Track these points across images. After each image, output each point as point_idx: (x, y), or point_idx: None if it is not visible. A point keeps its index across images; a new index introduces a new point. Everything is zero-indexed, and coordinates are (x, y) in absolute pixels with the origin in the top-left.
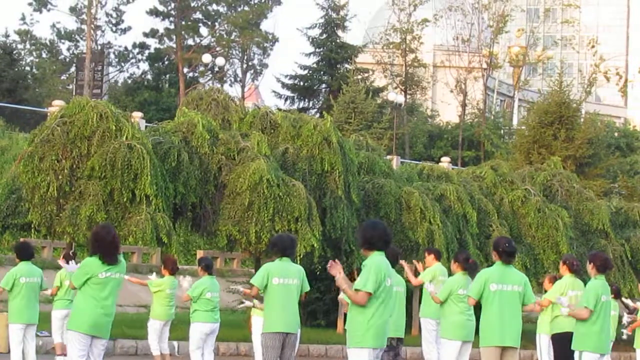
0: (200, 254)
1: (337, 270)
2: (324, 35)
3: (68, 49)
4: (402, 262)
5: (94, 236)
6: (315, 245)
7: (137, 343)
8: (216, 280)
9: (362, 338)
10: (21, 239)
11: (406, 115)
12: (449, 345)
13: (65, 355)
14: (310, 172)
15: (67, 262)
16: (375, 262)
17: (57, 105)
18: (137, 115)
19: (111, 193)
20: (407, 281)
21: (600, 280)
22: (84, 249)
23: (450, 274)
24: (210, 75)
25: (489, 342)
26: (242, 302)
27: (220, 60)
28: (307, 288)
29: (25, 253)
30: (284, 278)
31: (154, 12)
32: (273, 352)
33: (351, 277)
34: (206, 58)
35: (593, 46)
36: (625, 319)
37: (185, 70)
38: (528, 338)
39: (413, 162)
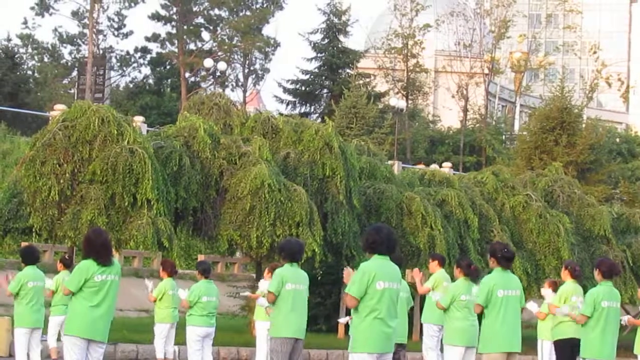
0: (201, 258)
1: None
2: (326, 40)
3: (70, 53)
4: (413, 271)
5: (85, 240)
6: (316, 250)
7: (137, 347)
8: (214, 285)
9: (356, 342)
10: (26, 243)
11: (407, 120)
12: (453, 351)
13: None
14: (312, 177)
15: (65, 267)
16: (364, 265)
17: (58, 109)
18: (138, 119)
19: (112, 197)
20: (413, 287)
21: (604, 287)
22: None
23: (452, 279)
24: (212, 79)
25: (497, 348)
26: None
27: (221, 65)
28: (307, 294)
29: (31, 257)
30: (296, 283)
31: (156, 17)
32: (283, 356)
33: None
34: (208, 63)
35: (595, 52)
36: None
37: (187, 74)
38: (529, 344)
39: (414, 167)
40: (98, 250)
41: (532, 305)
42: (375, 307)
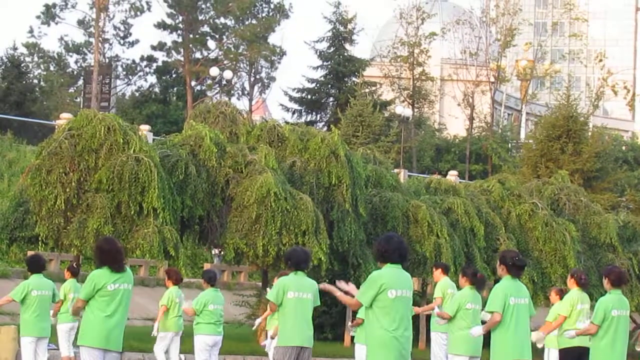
0: (207, 267)
1: (334, 289)
2: (332, 49)
3: (76, 62)
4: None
5: (98, 249)
6: (322, 258)
7: (144, 356)
8: (220, 293)
9: (370, 351)
10: (32, 252)
11: (413, 128)
12: None
13: None
14: (318, 185)
15: (72, 276)
16: (375, 274)
17: (64, 118)
18: (144, 128)
19: (118, 206)
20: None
21: (613, 295)
22: (91, 261)
23: (458, 288)
24: (218, 88)
25: (508, 356)
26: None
27: (227, 74)
28: (318, 303)
29: (36, 266)
30: (299, 292)
31: (161, 26)
32: None
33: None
34: (214, 71)
35: (601, 60)
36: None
37: (193, 83)
38: (536, 351)
39: (420, 175)
40: (111, 257)
41: (536, 336)
42: (387, 316)
